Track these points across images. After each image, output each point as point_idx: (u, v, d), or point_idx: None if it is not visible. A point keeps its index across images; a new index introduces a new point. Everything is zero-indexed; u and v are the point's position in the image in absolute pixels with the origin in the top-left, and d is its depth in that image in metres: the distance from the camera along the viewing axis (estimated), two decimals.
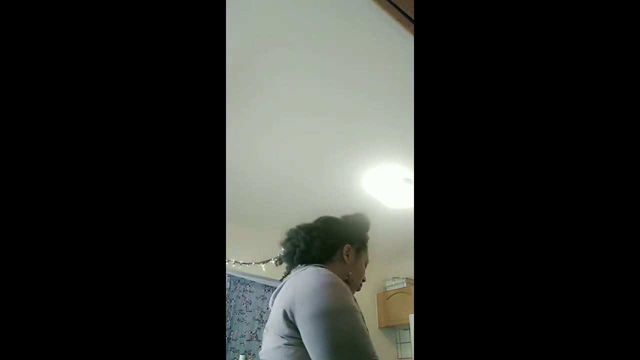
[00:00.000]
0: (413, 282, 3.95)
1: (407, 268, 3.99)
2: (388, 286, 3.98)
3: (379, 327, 3.90)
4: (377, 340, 3.77)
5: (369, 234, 1.11)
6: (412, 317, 3.66)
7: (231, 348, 2.96)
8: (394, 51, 1.61)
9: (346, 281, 0.96)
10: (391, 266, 4.10)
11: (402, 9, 1.09)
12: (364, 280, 1.05)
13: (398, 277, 3.92)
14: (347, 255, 1.00)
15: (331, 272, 0.84)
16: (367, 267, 1.09)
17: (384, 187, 2.65)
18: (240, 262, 3.08)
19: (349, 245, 1.02)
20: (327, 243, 0.99)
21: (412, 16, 1.18)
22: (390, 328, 3.94)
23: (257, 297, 3.30)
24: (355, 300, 0.83)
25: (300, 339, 0.74)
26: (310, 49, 1.64)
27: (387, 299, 3.91)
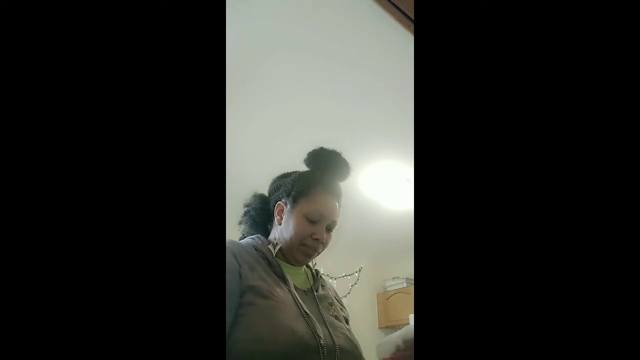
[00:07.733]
0: (413, 282, 3.94)
1: (407, 268, 3.98)
2: (388, 286, 3.97)
3: (379, 327, 3.90)
4: (377, 340, 3.75)
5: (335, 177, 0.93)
6: (412, 317, 3.65)
7: None
8: (394, 51, 1.61)
9: (280, 248, 0.82)
10: (391, 266, 4.10)
11: (402, 9, 1.09)
12: (317, 239, 0.81)
13: (398, 277, 3.91)
14: (279, 215, 0.87)
15: (230, 239, 0.79)
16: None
17: (384, 187, 2.65)
18: None
19: (281, 202, 0.88)
20: (258, 209, 0.93)
21: (412, 16, 1.18)
22: (390, 328, 3.94)
23: None
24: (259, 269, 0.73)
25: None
26: (310, 49, 1.64)
27: (387, 299, 3.90)
